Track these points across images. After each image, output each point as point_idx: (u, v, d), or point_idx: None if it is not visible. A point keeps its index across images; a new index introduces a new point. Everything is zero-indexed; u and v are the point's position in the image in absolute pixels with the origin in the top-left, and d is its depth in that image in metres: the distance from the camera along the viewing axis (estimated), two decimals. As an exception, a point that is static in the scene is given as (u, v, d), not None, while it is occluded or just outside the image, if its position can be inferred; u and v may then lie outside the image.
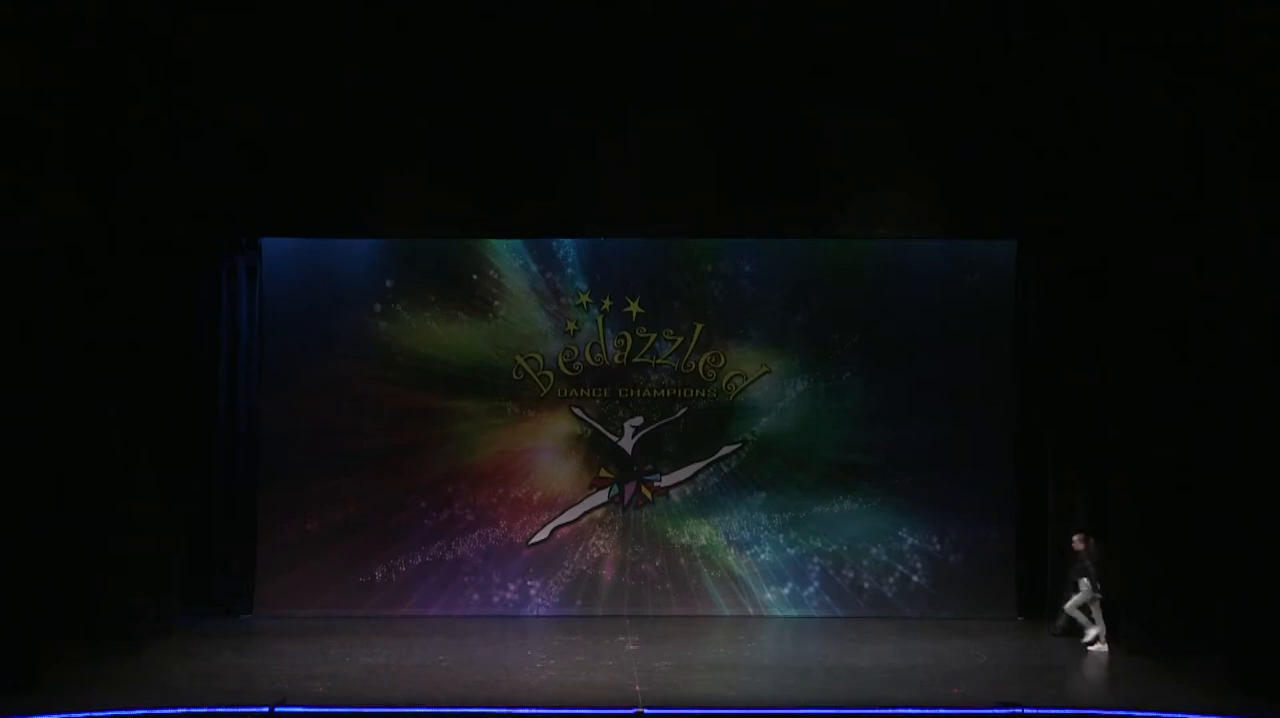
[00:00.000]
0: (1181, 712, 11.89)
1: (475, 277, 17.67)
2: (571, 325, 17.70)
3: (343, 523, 17.39)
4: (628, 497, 17.77)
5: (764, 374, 17.73)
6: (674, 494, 17.76)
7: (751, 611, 17.51)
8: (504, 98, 15.30)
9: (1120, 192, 14.91)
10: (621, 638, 15.49)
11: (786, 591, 17.61)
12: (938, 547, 17.51)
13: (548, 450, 17.75)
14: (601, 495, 17.78)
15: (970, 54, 15.19)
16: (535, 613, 17.39)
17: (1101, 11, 14.85)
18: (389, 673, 13.67)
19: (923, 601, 17.40)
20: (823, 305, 17.66)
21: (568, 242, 17.59)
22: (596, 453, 17.76)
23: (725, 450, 17.75)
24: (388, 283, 17.64)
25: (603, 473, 17.78)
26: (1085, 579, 15.30)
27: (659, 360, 17.75)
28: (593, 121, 15.36)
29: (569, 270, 17.72)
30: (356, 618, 16.96)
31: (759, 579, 17.62)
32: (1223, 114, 13.74)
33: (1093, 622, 15.31)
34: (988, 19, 15.09)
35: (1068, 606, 15.47)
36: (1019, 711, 11.69)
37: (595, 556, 17.67)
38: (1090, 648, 15.12)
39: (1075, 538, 15.56)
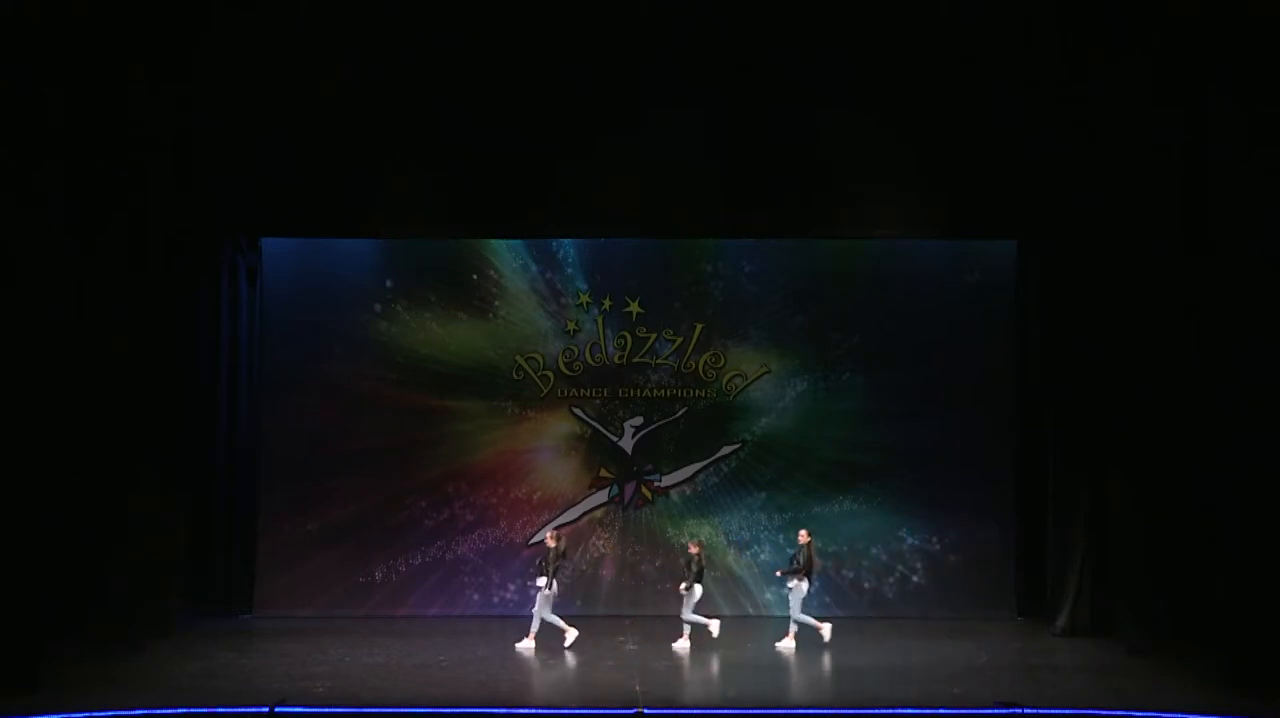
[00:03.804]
0: (1181, 712, 11.90)
1: (475, 277, 17.67)
2: (571, 325, 17.70)
3: (343, 523, 17.39)
4: (628, 497, 17.77)
5: (764, 374, 17.73)
6: (674, 494, 17.76)
7: (751, 611, 17.51)
8: (504, 98, 15.32)
9: (1121, 192, 14.91)
10: (621, 638, 15.49)
11: (786, 591, 17.59)
12: (937, 547, 17.51)
13: (548, 450, 17.75)
14: (601, 495, 17.78)
15: (970, 55, 15.21)
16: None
17: (1101, 13, 14.87)
18: (389, 673, 13.67)
19: (923, 601, 17.40)
20: (823, 306, 17.66)
21: (568, 242, 17.59)
22: (596, 453, 17.76)
23: (725, 450, 17.75)
24: (388, 283, 17.64)
25: (603, 473, 17.78)
26: (807, 580, 15.30)
27: (659, 360, 17.75)
28: (594, 122, 15.38)
29: (569, 270, 17.72)
30: (356, 618, 16.96)
31: (759, 579, 17.62)
32: (1223, 114, 13.74)
33: (814, 621, 15.31)
34: (987, 21, 15.11)
35: (794, 611, 15.36)
36: (1019, 711, 11.70)
37: (595, 556, 17.67)
38: (779, 646, 15.11)
39: (802, 532, 15.62)
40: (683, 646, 15.10)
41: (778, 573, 15.90)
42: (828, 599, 17.49)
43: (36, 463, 13.03)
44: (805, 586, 15.37)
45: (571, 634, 15.12)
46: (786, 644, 15.17)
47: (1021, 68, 15.25)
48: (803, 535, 15.66)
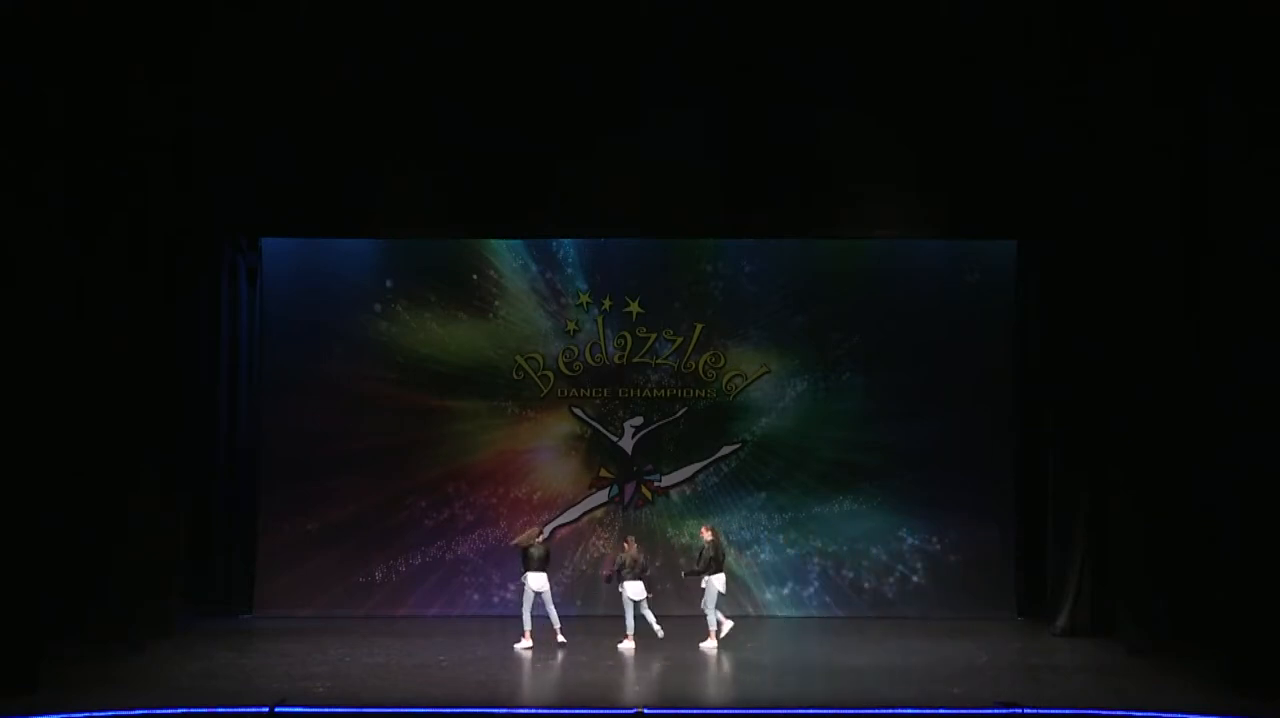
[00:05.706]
0: (1181, 712, 11.89)
1: (475, 277, 17.68)
2: (571, 325, 17.70)
3: (342, 523, 17.41)
4: (628, 497, 17.77)
5: (764, 374, 17.73)
6: (674, 494, 17.77)
7: (751, 611, 17.51)
8: (504, 98, 15.32)
9: (1121, 192, 14.91)
10: (621, 638, 15.48)
11: (786, 591, 17.62)
12: (937, 547, 17.52)
13: (548, 450, 17.76)
14: (601, 495, 17.80)
15: (970, 55, 15.21)
16: (535, 613, 17.36)
17: (1101, 13, 14.87)
18: (389, 673, 13.67)
19: (923, 600, 17.40)
20: (823, 306, 17.67)
21: (568, 242, 17.60)
22: (596, 453, 17.77)
23: (725, 450, 17.76)
24: (388, 283, 17.66)
25: (603, 473, 17.79)
26: (721, 576, 15.11)
27: (659, 360, 17.75)
28: (594, 122, 15.39)
29: (569, 270, 17.72)
30: (356, 618, 16.97)
31: (759, 579, 17.63)
32: (1223, 114, 13.74)
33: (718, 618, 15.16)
34: (987, 21, 15.11)
35: (705, 606, 15.15)
36: (1019, 711, 11.69)
37: (595, 556, 17.68)
38: (705, 647, 14.96)
39: (704, 529, 15.45)
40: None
41: (684, 574, 15.75)
42: (828, 599, 17.52)
43: (36, 463, 13.02)
44: (717, 581, 15.12)
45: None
46: (709, 645, 15.00)
47: (1021, 68, 15.25)
48: (704, 531, 15.46)
